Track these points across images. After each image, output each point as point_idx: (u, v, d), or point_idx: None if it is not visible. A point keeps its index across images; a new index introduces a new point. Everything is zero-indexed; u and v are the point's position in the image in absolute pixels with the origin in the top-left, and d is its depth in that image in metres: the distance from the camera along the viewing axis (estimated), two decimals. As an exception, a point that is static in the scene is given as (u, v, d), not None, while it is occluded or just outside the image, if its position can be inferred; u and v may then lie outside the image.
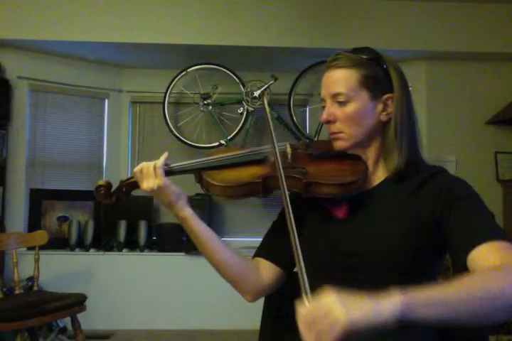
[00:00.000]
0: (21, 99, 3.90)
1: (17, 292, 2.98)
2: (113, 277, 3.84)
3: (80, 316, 2.86)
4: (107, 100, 4.37)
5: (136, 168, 1.15)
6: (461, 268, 0.97)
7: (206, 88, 4.10)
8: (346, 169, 1.12)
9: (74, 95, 4.19)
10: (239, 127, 4.06)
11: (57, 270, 3.72)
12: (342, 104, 1.13)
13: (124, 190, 1.20)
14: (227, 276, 1.19)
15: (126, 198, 1.22)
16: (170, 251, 3.90)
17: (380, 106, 1.13)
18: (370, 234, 1.08)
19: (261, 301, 1.28)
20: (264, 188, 1.12)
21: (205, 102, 4.05)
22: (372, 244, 1.07)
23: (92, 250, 3.91)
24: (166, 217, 4.14)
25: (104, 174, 4.31)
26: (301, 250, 0.88)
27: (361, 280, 1.06)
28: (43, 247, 3.19)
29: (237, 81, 4.04)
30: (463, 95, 4.02)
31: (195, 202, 3.67)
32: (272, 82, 3.95)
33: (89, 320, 3.24)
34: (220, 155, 1.20)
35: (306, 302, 0.77)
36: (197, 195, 3.79)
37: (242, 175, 1.14)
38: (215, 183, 1.13)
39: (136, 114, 4.46)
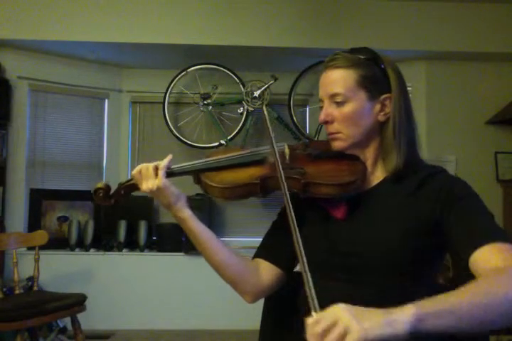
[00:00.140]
0: (21, 99, 3.90)
1: (17, 292, 2.98)
2: (113, 277, 3.84)
3: (80, 316, 2.86)
4: (107, 100, 4.37)
5: (135, 170, 1.15)
6: (461, 268, 0.97)
7: (206, 88, 4.10)
8: (344, 169, 1.12)
9: (74, 95, 4.19)
10: (239, 127, 4.06)
11: (57, 270, 3.72)
12: (340, 104, 1.13)
13: (122, 192, 1.20)
14: (227, 277, 1.18)
15: (125, 200, 1.22)
16: (170, 251, 3.90)
17: (378, 107, 1.13)
18: (369, 235, 1.08)
19: (261, 301, 1.28)
20: (262, 189, 1.13)
21: (205, 102, 4.05)
22: (371, 244, 1.07)
23: (92, 250, 3.91)
24: (166, 217, 4.14)
25: (104, 174, 4.31)
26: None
27: (361, 280, 1.06)
28: (43, 247, 3.19)
29: (237, 81, 4.04)
30: (463, 95, 4.02)
31: (195, 202, 3.67)
32: (271, 82, 3.96)
33: (89, 320, 3.24)
34: (219, 157, 1.19)
35: (314, 314, 0.76)
36: (197, 195, 3.79)
37: (241, 177, 1.14)
38: (214, 185, 1.13)
39: (136, 114, 4.46)
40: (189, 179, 1.20)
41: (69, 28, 3.63)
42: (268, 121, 1.18)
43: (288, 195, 0.97)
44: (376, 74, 1.13)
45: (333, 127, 1.15)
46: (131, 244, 3.96)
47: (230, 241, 4.01)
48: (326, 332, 0.72)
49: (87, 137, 4.27)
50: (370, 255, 1.06)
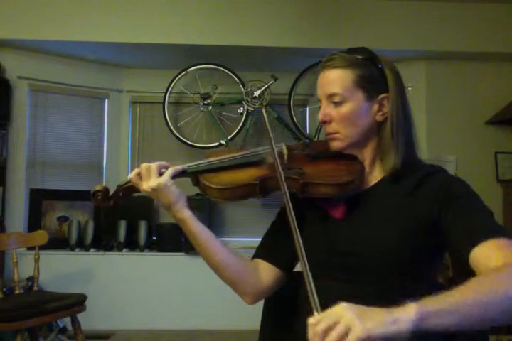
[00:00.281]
0: (21, 99, 3.91)
1: (17, 292, 2.98)
2: (113, 277, 3.84)
3: (80, 316, 2.86)
4: (107, 100, 4.37)
5: (133, 173, 1.15)
6: (461, 266, 0.97)
7: (206, 88, 4.10)
8: (343, 169, 1.12)
9: (74, 95, 4.19)
10: (239, 127, 4.06)
11: (57, 270, 3.73)
12: (337, 104, 1.13)
13: (121, 194, 1.21)
14: (226, 278, 1.18)
15: (124, 202, 1.22)
16: (170, 251, 3.90)
17: (376, 107, 1.13)
18: (368, 235, 1.09)
19: (261, 301, 1.28)
20: (261, 189, 1.12)
21: (205, 102, 4.05)
22: (370, 244, 1.07)
23: (92, 250, 3.91)
24: (166, 217, 4.14)
25: (104, 174, 4.32)
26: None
27: (360, 279, 1.06)
28: (43, 247, 3.19)
29: (237, 81, 4.04)
30: (463, 95, 4.02)
31: (195, 203, 3.66)
32: (271, 82, 3.96)
33: (89, 320, 3.24)
34: (217, 158, 1.19)
35: (316, 313, 0.76)
36: (197, 195, 3.77)
37: (239, 177, 1.14)
38: (213, 186, 1.13)
39: (136, 114, 4.46)
40: (189, 179, 1.20)
41: (69, 28, 3.63)
42: (267, 122, 1.18)
43: (288, 195, 0.97)
44: (373, 74, 1.12)
45: (331, 127, 1.15)
46: (131, 244, 3.96)
47: (229, 241, 4.01)
48: (328, 330, 0.72)
49: (87, 137, 4.27)
50: (369, 255, 1.06)
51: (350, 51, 1.15)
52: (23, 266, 3.32)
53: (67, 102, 4.18)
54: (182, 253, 3.84)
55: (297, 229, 0.91)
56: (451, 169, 3.82)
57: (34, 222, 3.91)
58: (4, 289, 3.16)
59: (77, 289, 3.14)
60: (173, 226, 3.86)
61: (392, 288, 1.04)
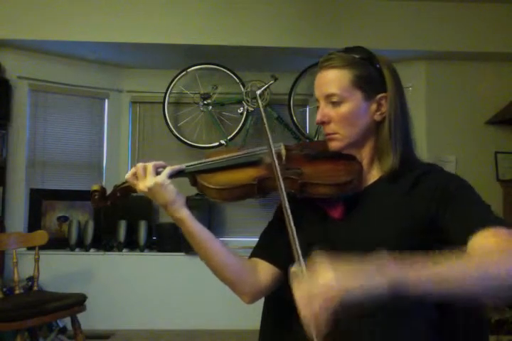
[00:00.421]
0: (21, 99, 3.91)
1: (17, 292, 2.98)
2: (113, 277, 3.84)
3: (80, 316, 2.87)
4: (107, 100, 4.37)
5: (129, 173, 1.14)
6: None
7: (206, 88, 4.10)
8: (341, 169, 1.12)
9: (74, 95, 4.19)
10: (239, 127, 4.06)
11: (57, 270, 3.73)
12: (336, 104, 1.13)
13: (118, 194, 1.20)
14: (225, 278, 1.18)
15: (121, 202, 1.22)
16: (170, 251, 3.90)
17: (374, 106, 1.13)
18: (367, 234, 1.09)
19: (261, 301, 1.28)
20: (259, 190, 1.12)
21: (205, 102, 4.05)
22: (369, 244, 1.06)
23: (92, 250, 3.91)
24: (166, 217, 4.09)
25: (104, 174, 4.32)
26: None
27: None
28: (43, 247, 3.19)
29: (237, 81, 4.04)
30: (463, 95, 4.02)
31: (194, 203, 3.67)
32: (271, 82, 3.95)
33: (89, 320, 3.24)
34: (216, 158, 1.19)
35: (301, 275, 0.82)
36: (196, 194, 3.77)
37: (237, 178, 1.14)
38: (211, 186, 1.12)
39: (136, 114, 4.46)
40: (187, 179, 1.20)
41: (69, 28, 3.63)
42: (266, 123, 1.18)
43: (285, 196, 0.97)
44: (371, 74, 1.12)
45: (330, 128, 1.15)
46: (131, 244, 3.96)
47: (229, 241, 4.01)
48: (312, 291, 0.77)
49: (87, 137, 4.27)
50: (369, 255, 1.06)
51: (348, 50, 1.15)
52: (23, 266, 3.33)
53: (67, 102, 4.18)
54: (182, 253, 3.84)
55: (293, 228, 0.91)
56: (451, 169, 3.82)
57: (34, 222, 3.92)
58: (4, 289, 3.16)
59: (77, 289, 3.14)
60: (173, 226, 3.86)
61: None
